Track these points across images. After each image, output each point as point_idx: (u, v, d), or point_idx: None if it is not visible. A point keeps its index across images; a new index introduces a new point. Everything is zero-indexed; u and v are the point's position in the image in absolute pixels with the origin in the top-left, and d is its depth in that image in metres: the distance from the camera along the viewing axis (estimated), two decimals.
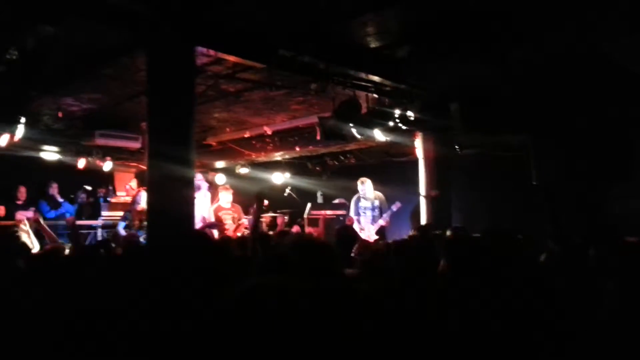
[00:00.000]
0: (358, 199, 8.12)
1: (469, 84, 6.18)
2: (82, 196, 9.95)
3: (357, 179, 8.35)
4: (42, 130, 7.99)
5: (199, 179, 8.54)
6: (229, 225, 7.99)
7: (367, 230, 7.83)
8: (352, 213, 8.12)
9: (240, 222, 8.06)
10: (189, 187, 4.58)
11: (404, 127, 6.81)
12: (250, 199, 8.77)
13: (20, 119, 5.60)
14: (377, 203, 7.99)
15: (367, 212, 8.01)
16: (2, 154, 7.35)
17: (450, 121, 6.62)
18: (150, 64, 4.50)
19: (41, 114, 7.61)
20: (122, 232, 7.81)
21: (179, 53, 4.41)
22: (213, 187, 9.46)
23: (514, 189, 7.50)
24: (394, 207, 7.82)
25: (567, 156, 6.28)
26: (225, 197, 8.22)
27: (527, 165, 6.71)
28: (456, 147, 8.15)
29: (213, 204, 8.47)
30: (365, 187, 8.07)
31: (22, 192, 8.79)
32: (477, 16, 4.73)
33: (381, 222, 7.87)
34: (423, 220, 7.69)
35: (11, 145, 6.76)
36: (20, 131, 5.74)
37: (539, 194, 6.94)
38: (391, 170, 9.84)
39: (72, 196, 9.84)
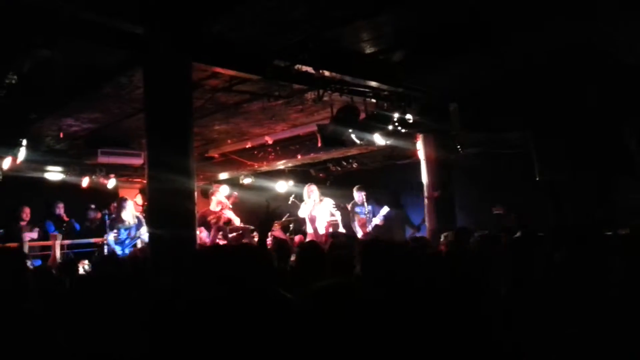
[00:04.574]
0: (354, 205, 8.80)
1: (466, 83, 6.20)
2: (92, 214, 9.89)
3: (360, 184, 8.76)
4: (44, 151, 8.05)
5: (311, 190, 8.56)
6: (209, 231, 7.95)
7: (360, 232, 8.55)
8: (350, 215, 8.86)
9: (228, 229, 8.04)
10: (190, 199, 4.61)
11: (403, 130, 6.82)
12: (255, 209, 8.84)
13: (21, 141, 5.66)
14: (369, 207, 8.61)
15: (361, 215, 8.67)
16: (7, 176, 7.41)
17: (450, 122, 6.64)
18: (147, 82, 4.53)
19: (43, 136, 7.68)
20: (113, 244, 7.84)
21: (174, 69, 4.44)
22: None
23: (516, 186, 7.48)
24: (383, 212, 8.43)
25: (569, 151, 6.28)
26: (215, 200, 8.24)
27: (529, 162, 6.70)
28: (458, 147, 8.15)
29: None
30: (355, 193, 8.75)
31: (27, 213, 8.82)
32: (471, 16, 4.75)
33: (376, 221, 8.45)
34: (427, 222, 7.71)
35: (15, 167, 6.82)
36: (22, 154, 5.81)
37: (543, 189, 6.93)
38: (394, 173, 9.87)
39: (89, 217, 9.78)
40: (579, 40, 4.99)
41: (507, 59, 5.40)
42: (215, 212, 8.18)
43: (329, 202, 8.57)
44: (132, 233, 7.91)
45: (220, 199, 8.28)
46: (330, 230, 8.26)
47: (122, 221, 7.89)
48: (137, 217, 8.15)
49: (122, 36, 4.14)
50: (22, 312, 2.68)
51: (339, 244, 4.76)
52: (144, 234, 7.80)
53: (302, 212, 8.67)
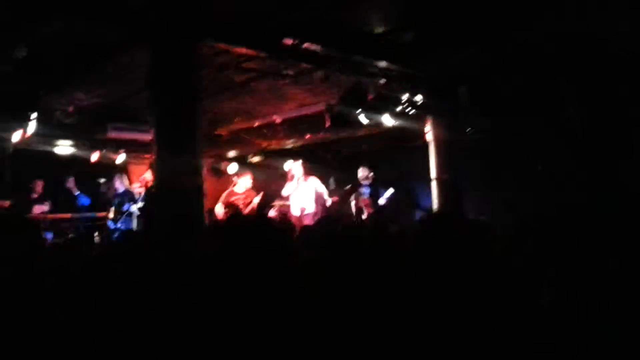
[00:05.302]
0: (358, 185, 8.84)
1: (475, 67, 6.14)
2: (105, 188, 9.89)
3: (368, 165, 8.75)
4: (55, 125, 8.09)
5: (294, 168, 8.52)
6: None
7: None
8: (352, 197, 8.86)
9: (251, 205, 8.19)
10: (198, 177, 4.65)
11: (412, 112, 6.79)
12: (263, 187, 8.90)
13: (30, 115, 5.70)
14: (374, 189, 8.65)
15: (365, 195, 8.72)
16: (18, 150, 7.47)
17: (459, 104, 6.59)
18: (153, 59, 4.53)
19: (53, 110, 7.71)
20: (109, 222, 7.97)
21: (181, 47, 4.43)
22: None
23: (524, 171, 7.43)
24: (387, 194, 8.52)
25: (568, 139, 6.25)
26: (241, 183, 8.34)
27: (533, 148, 6.66)
28: (466, 130, 8.09)
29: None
30: (360, 173, 8.78)
31: (39, 186, 8.89)
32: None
33: (381, 201, 8.55)
34: (435, 205, 7.69)
35: (25, 140, 6.86)
36: (32, 127, 5.85)
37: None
38: (403, 155, 9.83)
39: (102, 191, 9.82)
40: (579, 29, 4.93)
41: (516, 43, 5.34)
42: (238, 194, 8.25)
43: (314, 181, 8.48)
44: (124, 207, 8.00)
45: (247, 184, 8.34)
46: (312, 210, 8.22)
47: (115, 196, 8.09)
48: (130, 192, 8.24)
49: (127, 13, 4.13)
50: (33, 285, 2.72)
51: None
52: (134, 209, 7.91)
53: (286, 191, 8.57)
